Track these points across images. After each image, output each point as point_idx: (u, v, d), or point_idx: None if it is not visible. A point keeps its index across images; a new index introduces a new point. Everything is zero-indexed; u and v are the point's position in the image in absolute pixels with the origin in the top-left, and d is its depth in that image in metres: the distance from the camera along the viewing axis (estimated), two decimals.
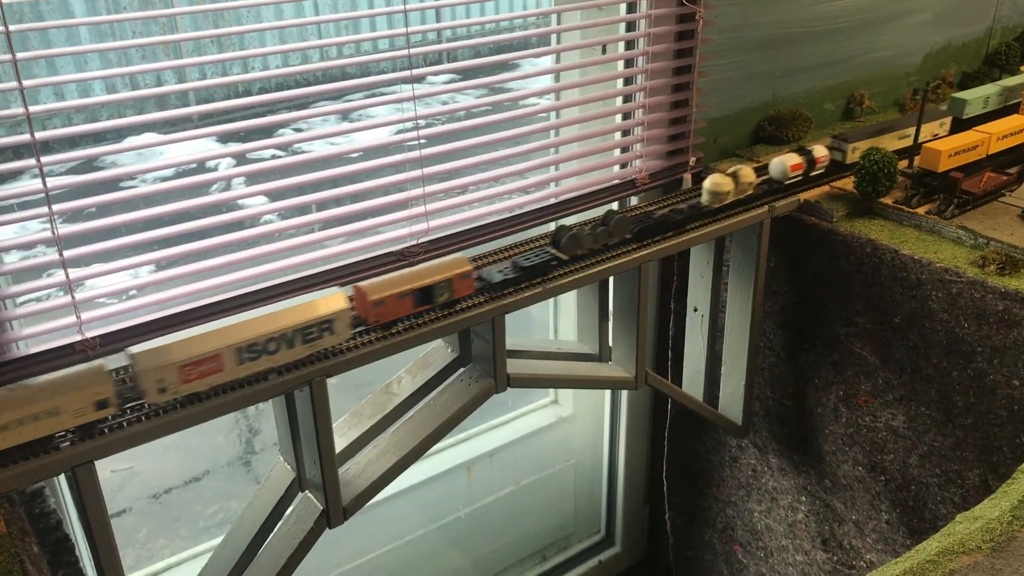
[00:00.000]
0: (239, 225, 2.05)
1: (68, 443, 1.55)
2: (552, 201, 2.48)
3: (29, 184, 1.74)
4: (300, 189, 2.10)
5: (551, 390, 3.53)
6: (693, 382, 2.86)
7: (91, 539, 1.63)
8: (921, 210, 2.37)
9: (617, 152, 2.62)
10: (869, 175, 2.35)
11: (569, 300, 3.17)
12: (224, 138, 2.11)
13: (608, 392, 3.40)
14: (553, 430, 3.49)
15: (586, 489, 3.67)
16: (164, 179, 2.00)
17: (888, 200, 2.41)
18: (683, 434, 3.19)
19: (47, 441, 1.53)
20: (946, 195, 2.35)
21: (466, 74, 2.42)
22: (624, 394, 3.36)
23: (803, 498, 2.85)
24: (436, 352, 2.27)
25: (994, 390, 2.14)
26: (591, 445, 3.59)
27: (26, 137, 1.67)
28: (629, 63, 2.55)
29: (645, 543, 3.81)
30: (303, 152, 2.22)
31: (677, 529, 3.42)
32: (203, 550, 2.85)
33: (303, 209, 2.17)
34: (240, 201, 2.18)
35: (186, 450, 4.73)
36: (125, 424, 1.60)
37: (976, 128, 2.53)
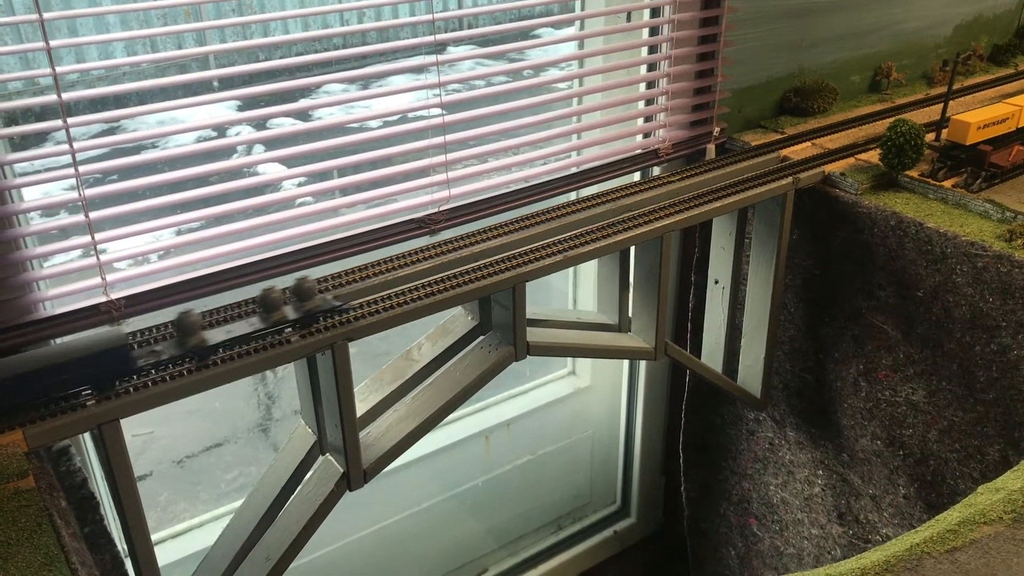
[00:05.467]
0: (260, 191, 2.06)
1: (93, 401, 1.57)
2: (574, 170, 2.47)
3: (56, 147, 1.75)
4: (320, 155, 2.10)
5: (569, 361, 3.54)
6: (712, 354, 2.85)
7: (117, 496, 1.66)
8: (947, 183, 2.34)
9: (640, 121, 2.60)
10: (895, 147, 2.32)
11: (589, 271, 3.16)
12: (245, 104, 2.11)
13: (626, 364, 3.40)
14: (571, 401, 3.50)
15: (602, 460, 3.69)
16: (184, 144, 2.00)
17: (914, 173, 2.39)
18: (700, 407, 3.19)
19: (74, 397, 1.55)
20: (974, 168, 2.32)
21: (488, 41, 2.40)
22: (642, 366, 3.36)
23: (820, 472, 2.85)
24: (456, 320, 2.27)
25: (1017, 365, 2.13)
26: (608, 416, 3.60)
27: (53, 98, 1.68)
28: (654, 31, 2.52)
29: (660, 514, 3.82)
30: (323, 119, 2.22)
31: (692, 501, 3.43)
32: (224, 512, 2.89)
33: (324, 176, 2.18)
34: (260, 167, 2.18)
35: (208, 415, 4.78)
36: (150, 384, 1.61)
37: (1007, 100, 2.49)
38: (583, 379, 3.51)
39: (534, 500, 3.59)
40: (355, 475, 1.97)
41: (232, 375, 1.69)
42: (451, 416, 3.29)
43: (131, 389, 1.60)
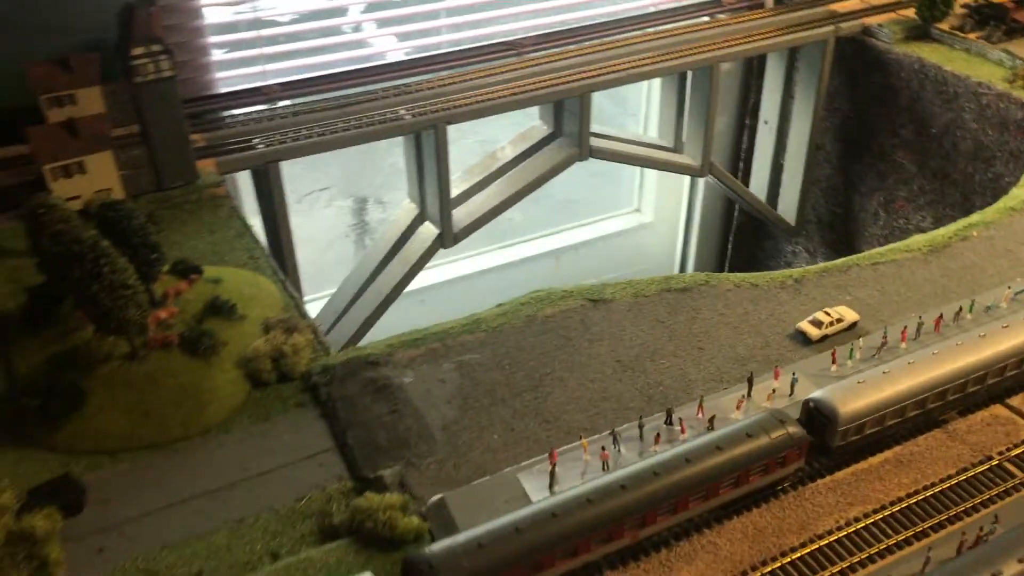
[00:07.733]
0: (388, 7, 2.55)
1: (263, 145, 2.13)
2: (651, 10, 2.88)
3: None
4: None
5: (635, 199, 4.02)
6: (758, 188, 3.28)
7: (273, 221, 2.24)
8: (972, 36, 2.67)
9: None
10: (928, 0, 2.65)
11: (652, 113, 3.56)
12: None
13: (684, 202, 3.90)
14: (634, 234, 4.02)
15: None
16: None
17: (944, 26, 2.72)
18: (745, 240, 3.65)
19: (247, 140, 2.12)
20: (996, 22, 2.63)
21: None
22: (698, 205, 3.84)
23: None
24: (534, 129, 2.77)
25: (1007, 190, 2.52)
26: (666, 252, 4.11)
27: None
28: None
29: None
30: None
31: None
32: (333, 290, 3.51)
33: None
34: None
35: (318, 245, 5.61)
36: (301, 138, 2.17)
37: None
38: (647, 216, 4.00)
39: None
40: (447, 236, 2.53)
41: (360, 139, 2.24)
42: (526, 234, 3.87)
43: (287, 140, 2.15)
